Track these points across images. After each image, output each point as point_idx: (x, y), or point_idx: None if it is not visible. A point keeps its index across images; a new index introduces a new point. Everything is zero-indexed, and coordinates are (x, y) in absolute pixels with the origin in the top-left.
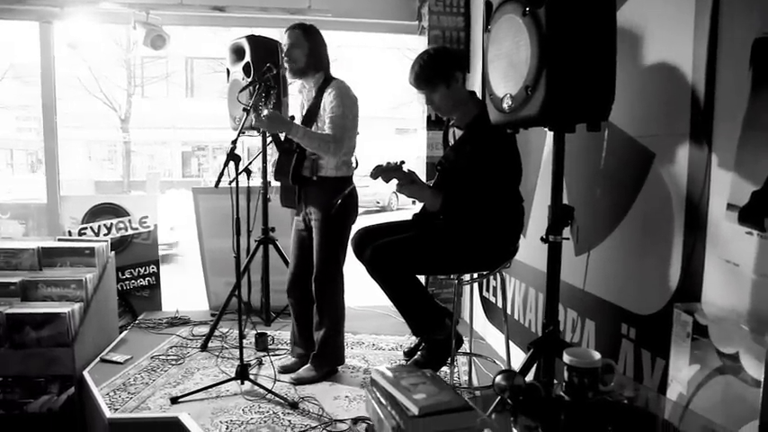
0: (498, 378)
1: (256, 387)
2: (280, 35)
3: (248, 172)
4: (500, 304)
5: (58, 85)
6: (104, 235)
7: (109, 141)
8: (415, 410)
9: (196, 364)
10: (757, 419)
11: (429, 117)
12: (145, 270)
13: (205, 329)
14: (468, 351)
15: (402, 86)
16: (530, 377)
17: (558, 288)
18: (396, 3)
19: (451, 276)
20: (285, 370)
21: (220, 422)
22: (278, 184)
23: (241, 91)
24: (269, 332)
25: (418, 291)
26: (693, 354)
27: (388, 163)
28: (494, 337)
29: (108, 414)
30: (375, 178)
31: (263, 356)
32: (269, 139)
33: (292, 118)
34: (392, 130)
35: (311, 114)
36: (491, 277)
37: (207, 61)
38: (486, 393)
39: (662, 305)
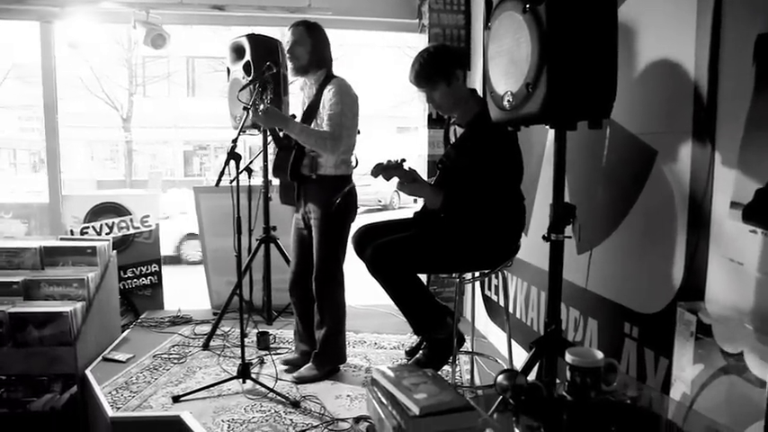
0: (500, 377)
1: (258, 386)
2: (280, 34)
3: (249, 171)
4: (502, 303)
5: (59, 85)
6: (106, 234)
7: (111, 141)
8: (415, 410)
9: (198, 363)
10: (762, 420)
11: (430, 115)
12: (147, 269)
13: (207, 328)
14: (470, 350)
15: (403, 85)
16: (532, 376)
17: (561, 287)
18: (396, 1)
19: (453, 275)
20: (288, 363)
21: (222, 421)
22: (279, 182)
23: (241, 90)
24: (271, 331)
25: (419, 289)
26: (697, 353)
27: (389, 161)
28: (496, 336)
29: (110, 413)
30: (376, 176)
31: (265, 355)
32: (269, 138)
33: (293, 116)
34: (393, 128)
35: (311, 111)
36: (493, 276)
37: (208, 60)
38: (487, 393)
39: (665, 304)
